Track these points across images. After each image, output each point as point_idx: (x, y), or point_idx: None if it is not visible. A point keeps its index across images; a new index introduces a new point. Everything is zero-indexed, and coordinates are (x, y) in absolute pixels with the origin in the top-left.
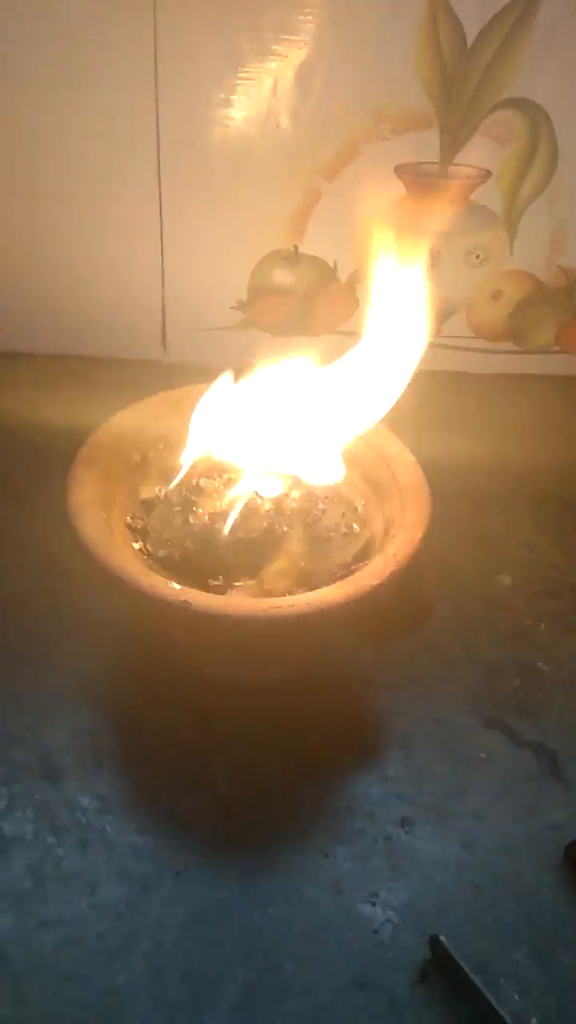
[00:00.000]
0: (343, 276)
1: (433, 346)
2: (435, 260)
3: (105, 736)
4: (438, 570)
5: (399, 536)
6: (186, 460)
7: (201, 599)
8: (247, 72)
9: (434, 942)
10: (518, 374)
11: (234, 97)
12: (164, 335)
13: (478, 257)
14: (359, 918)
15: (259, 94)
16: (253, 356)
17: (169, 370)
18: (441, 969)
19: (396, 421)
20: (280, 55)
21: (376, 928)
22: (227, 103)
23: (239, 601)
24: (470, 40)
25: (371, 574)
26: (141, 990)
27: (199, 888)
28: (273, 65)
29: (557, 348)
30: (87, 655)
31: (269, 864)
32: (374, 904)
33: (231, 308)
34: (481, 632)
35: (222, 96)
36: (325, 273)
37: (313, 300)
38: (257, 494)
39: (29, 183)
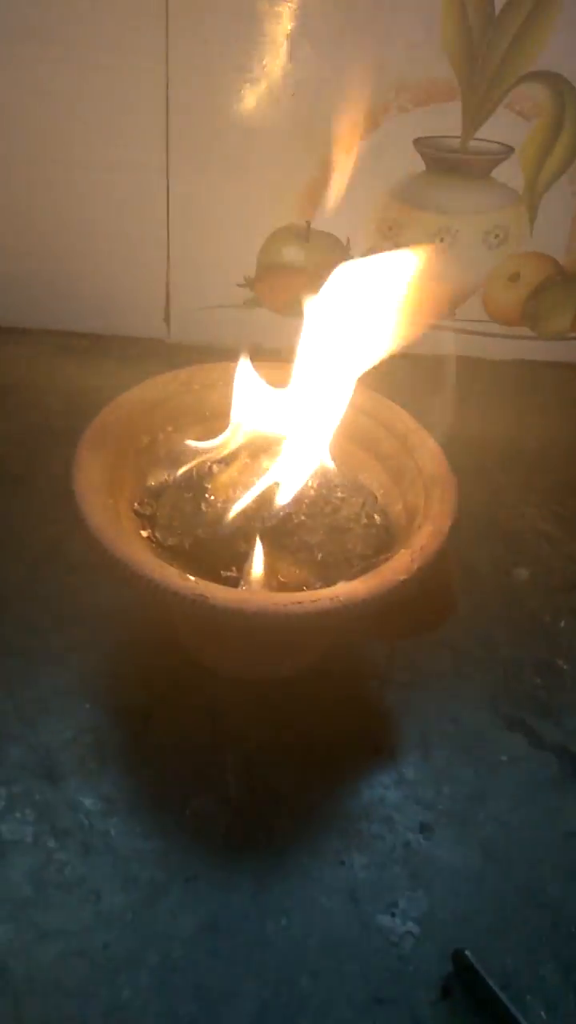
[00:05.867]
0: (356, 254)
1: (447, 330)
2: (452, 239)
3: (108, 733)
4: (454, 564)
5: (425, 527)
6: (201, 443)
7: (218, 593)
8: (262, 34)
9: (458, 956)
10: (534, 360)
11: (247, 61)
12: (168, 313)
13: (496, 237)
14: (377, 930)
15: (274, 58)
16: (259, 337)
17: (172, 349)
18: (465, 984)
19: (409, 408)
20: (298, 16)
21: (396, 940)
22: (240, 67)
23: (257, 595)
24: (498, 7)
25: (397, 568)
26: (149, 1006)
27: (209, 896)
28: (290, 27)
29: (574, 334)
30: (89, 647)
31: (282, 871)
32: (393, 915)
33: (238, 286)
34: (499, 628)
35: (235, 60)
36: (337, 250)
37: (324, 278)
38: (276, 483)
39: (31, 148)
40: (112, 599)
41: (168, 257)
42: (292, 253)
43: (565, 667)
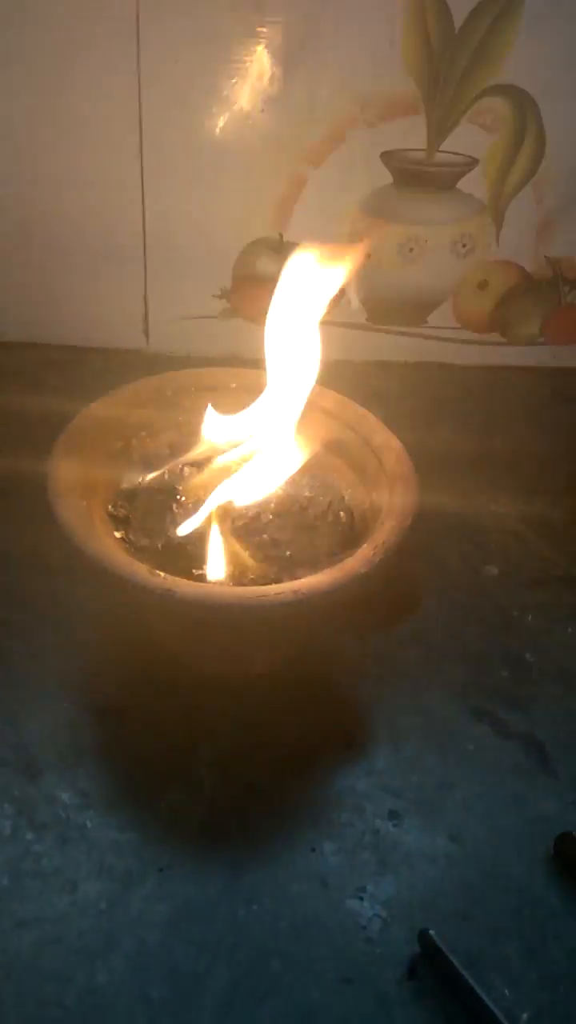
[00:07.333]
0: None
1: (418, 337)
2: (420, 249)
3: (86, 730)
4: (425, 561)
5: (387, 523)
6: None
7: (184, 587)
8: (231, 55)
9: (423, 936)
10: (503, 365)
11: (217, 80)
12: (146, 324)
13: (464, 246)
14: (347, 913)
15: (243, 78)
16: (236, 346)
17: (151, 359)
18: (431, 964)
19: (381, 412)
20: (265, 38)
21: (364, 923)
22: (210, 86)
23: (224, 589)
24: (458, 25)
25: (359, 561)
26: (124, 990)
27: (183, 885)
28: (258, 48)
29: (542, 340)
30: (67, 647)
31: (254, 859)
32: (362, 899)
33: (214, 297)
34: (468, 623)
35: (205, 79)
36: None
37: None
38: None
39: (6, 164)
40: (89, 601)
41: (145, 271)
42: (266, 264)
43: (532, 659)
